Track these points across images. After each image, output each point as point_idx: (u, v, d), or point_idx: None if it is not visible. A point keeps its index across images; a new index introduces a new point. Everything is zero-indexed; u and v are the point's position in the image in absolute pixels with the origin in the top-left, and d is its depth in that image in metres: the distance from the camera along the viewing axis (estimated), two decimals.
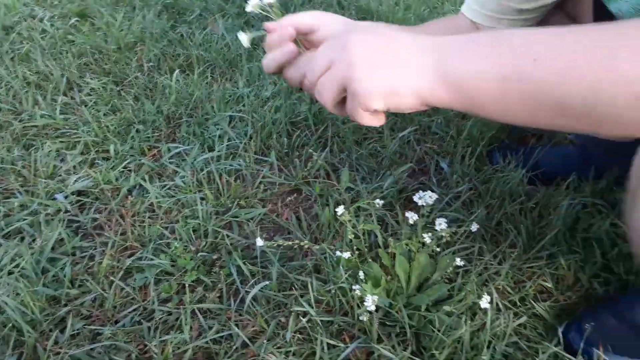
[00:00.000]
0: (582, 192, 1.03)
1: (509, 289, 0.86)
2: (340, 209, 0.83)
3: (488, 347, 0.73)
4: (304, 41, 0.61)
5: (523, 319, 0.79)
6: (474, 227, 0.89)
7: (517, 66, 0.40)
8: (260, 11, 0.58)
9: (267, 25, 0.57)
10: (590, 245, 0.91)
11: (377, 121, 0.50)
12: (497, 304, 0.82)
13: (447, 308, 0.76)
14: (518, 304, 0.84)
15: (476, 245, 0.92)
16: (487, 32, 0.46)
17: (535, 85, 0.40)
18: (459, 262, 0.83)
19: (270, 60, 0.56)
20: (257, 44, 1.61)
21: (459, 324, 0.76)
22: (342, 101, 0.50)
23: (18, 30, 1.61)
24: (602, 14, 0.69)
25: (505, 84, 0.41)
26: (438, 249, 0.89)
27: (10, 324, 0.82)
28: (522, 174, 1.07)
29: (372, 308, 0.72)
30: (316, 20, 0.59)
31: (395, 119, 1.30)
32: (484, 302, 0.71)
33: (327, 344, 0.77)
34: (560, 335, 0.77)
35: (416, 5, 1.82)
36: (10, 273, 0.92)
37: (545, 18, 0.84)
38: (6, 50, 1.52)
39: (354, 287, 0.79)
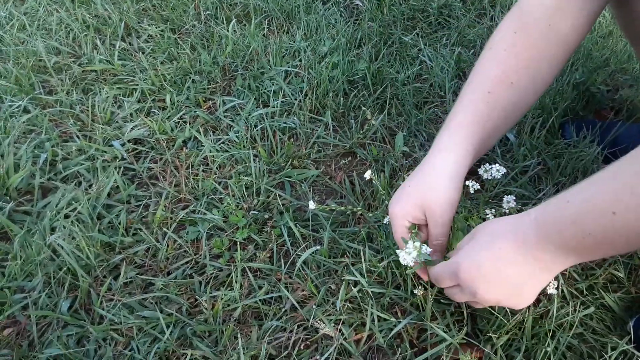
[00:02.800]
0: None
1: (576, 276, 0.80)
2: (367, 174, 0.77)
3: (552, 336, 0.69)
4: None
5: (590, 310, 0.74)
6: None
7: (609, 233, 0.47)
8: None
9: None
10: None
11: None
12: (562, 291, 0.77)
13: None
14: (585, 292, 0.78)
15: None
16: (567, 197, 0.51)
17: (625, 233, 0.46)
18: None
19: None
20: None
21: None
22: None
23: None
24: None
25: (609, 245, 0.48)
26: None
27: (66, 267, 0.84)
28: (597, 151, 0.98)
29: (411, 258, 0.65)
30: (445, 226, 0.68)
31: (460, 82, 1.22)
32: (551, 288, 0.66)
33: (378, 316, 0.74)
34: (630, 329, 0.72)
35: None
36: (66, 217, 0.93)
37: None
38: None
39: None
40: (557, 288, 0.70)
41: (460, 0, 1.52)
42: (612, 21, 1.47)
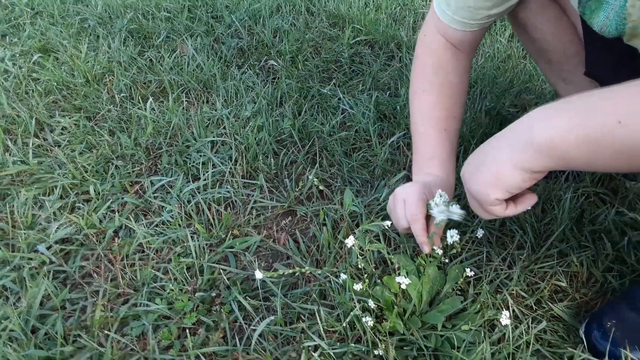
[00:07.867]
0: (582, 181, 1.01)
1: (523, 293, 0.83)
2: (350, 240, 0.78)
3: (513, 359, 0.70)
4: None
5: (543, 324, 0.76)
6: (480, 232, 0.86)
7: (604, 130, 0.46)
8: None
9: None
10: (600, 238, 0.89)
11: (513, 208, 0.61)
12: (513, 311, 0.79)
13: (465, 327, 0.72)
14: (534, 307, 0.81)
15: (484, 251, 0.89)
16: (567, 99, 0.51)
17: (622, 145, 0.45)
18: (469, 272, 0.79)
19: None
20: (231, 62, 1.56)
21: (478, 337, 0.73)
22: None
23: None
24: None
25: (594, 145, 0.47)
26: (446, 260, 0.86)
27: None
28: None
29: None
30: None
31: (382, 124, 1.27)
32: (504, 319, 0.68)
33: None
34: (582, 335, 0.74)
35: (387, 4, 1.79)
36: None
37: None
38: None
39: (364, 318, 0.75)
40: (510, 317, 0.72)
41: (369, 47, 1.60)
42: (508, 45, 1.60)
